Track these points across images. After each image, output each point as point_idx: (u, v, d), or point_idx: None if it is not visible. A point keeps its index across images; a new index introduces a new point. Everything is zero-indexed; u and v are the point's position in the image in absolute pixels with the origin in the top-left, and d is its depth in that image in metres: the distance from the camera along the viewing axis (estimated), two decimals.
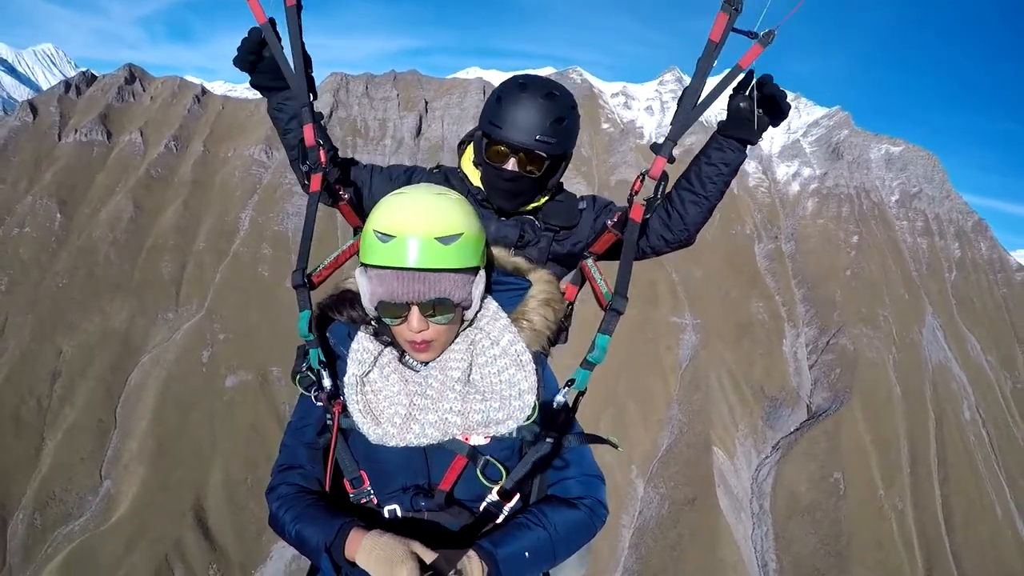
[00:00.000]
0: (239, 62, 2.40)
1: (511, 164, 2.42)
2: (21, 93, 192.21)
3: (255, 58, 2.38)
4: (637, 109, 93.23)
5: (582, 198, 2.70)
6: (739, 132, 2.33)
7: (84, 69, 74.47)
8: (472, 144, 2.57)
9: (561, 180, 2.63)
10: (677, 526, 48.98)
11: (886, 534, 52.30)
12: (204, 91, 77.40)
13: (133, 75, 75.02)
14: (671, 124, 2.16)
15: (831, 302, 71.45)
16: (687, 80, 2.20)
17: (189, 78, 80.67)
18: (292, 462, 1.86)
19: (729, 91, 2.24)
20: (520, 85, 2.35)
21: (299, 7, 2.16)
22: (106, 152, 68.13)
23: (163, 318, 57.56)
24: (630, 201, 2.19)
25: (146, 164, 67.47)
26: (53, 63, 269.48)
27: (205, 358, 54.24)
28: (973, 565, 54.23)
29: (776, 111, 2.28)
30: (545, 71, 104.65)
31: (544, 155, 2.39)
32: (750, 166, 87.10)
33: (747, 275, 72.53)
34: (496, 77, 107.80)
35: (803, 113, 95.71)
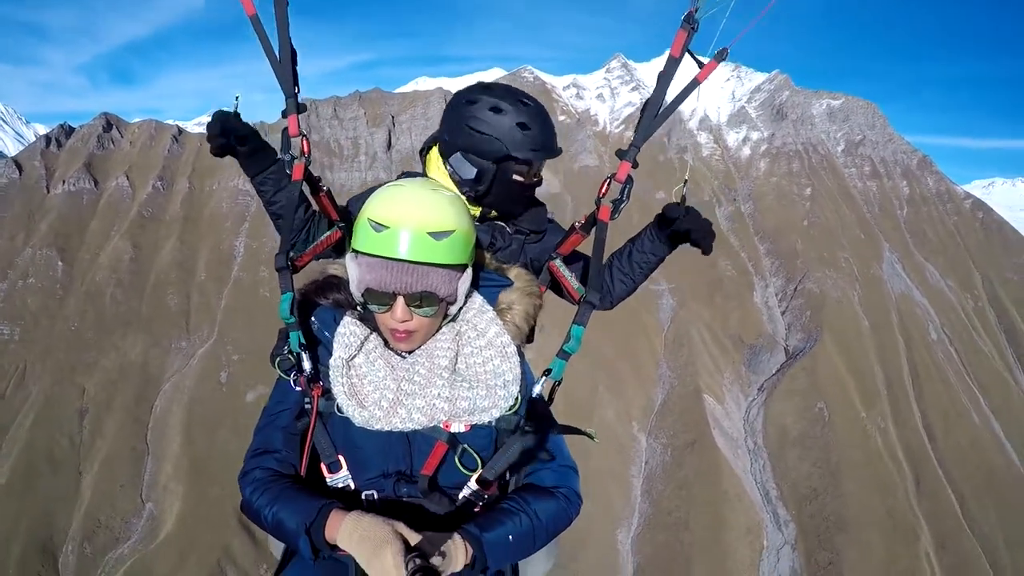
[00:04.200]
0: (215, 149, 2.35)
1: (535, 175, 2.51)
2: None
3: (224, 140, 2.31)
4: (588, 98, 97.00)
5: (551, 219, 2.74)
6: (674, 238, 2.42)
7: (62, 123, 76.23)
8: (473, 169, 2.43)
9: None
10: (682, 468, 52.58)
11: (873, 451, 56.07)
12: (180, 131, 79.38)
13: (110, 123, 76.84)
14: (635, 132, 2.18)
15: (793, 252, 75.35)
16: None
17: (160, 120, 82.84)
18: (267, 446, 1.84)
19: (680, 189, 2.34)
20: (523, 104, 2.37)
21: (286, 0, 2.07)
22: (95, 199, 70.30)
23: (176, 347, 60.06)
24: (597, 203, 2.19)
25: (136, 205, 69.78)
26: (4, 122, 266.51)
27: (223, 379, 56.97)
28: (957, 467, 58.11)
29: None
30: (494, 72, 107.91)
31: None
32: (702, 137, 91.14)
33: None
34: (449, 84, 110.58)
35: (745, 81, 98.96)
